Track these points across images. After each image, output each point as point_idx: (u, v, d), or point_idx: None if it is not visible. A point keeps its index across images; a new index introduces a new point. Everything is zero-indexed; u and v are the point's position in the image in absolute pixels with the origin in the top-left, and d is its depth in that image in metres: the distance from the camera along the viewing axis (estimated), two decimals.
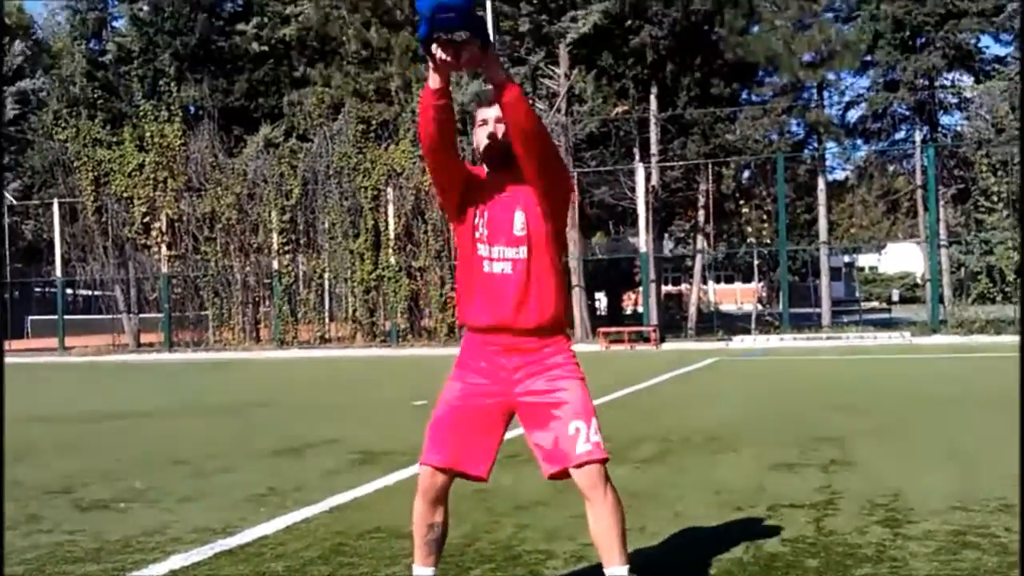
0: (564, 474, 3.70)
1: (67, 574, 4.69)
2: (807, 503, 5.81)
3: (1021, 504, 3.13)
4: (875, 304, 69.70)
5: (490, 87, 3.55)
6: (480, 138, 3.74)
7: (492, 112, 3.69)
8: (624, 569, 3.65)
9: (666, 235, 39.57)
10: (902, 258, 76.90)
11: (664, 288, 49.33)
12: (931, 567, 4.37)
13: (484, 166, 3.80)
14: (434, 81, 3.46)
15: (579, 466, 3.62)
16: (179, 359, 29.32)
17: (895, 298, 75.22)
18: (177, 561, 4.83)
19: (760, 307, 37.49)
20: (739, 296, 64.98)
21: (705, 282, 41.85)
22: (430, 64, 3.42)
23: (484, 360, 3.76)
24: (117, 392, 17.23)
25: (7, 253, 34.86)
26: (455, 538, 4.98)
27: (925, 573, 4.29)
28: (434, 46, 3.34)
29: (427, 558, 3.79)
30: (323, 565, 4.68)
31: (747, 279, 55.17)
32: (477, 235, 3.74)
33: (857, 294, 71.15)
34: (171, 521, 5.78)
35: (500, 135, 3.66)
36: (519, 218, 3.71)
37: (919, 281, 54.30)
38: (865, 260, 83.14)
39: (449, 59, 3.38)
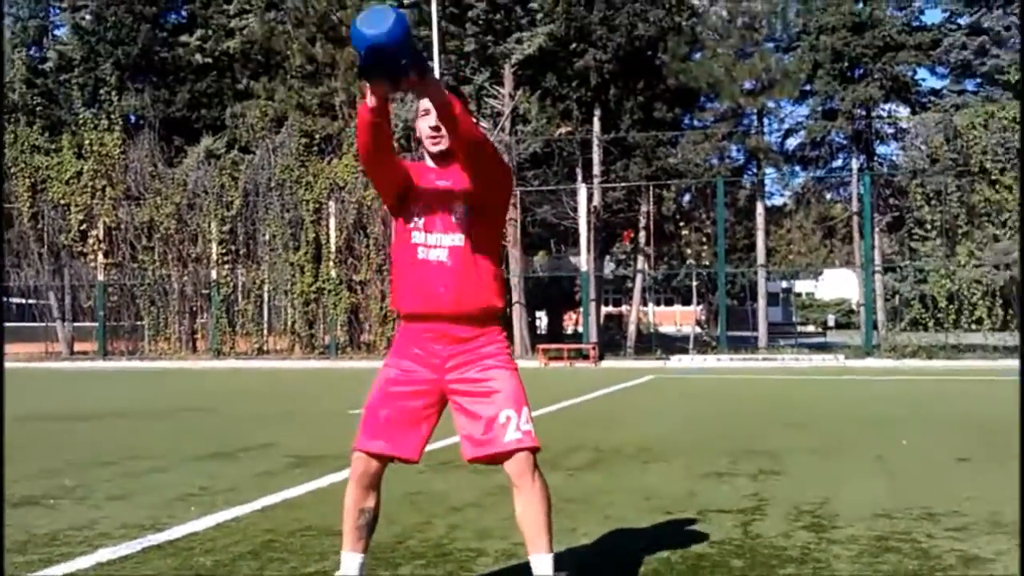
0: (486, 459, 3.73)
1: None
2: (735, 509, 5.90)
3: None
4: (811, 329, 70.59)
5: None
6: (423, 128, 3.78)
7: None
8: (549, 558, 3.70)
9: (607, 256, 39.83)
10: (838, 285, 78.12)
11: (604, 309, 49.53)
12: (853, 568, 4.47)
13: (426, 156, 3.84)
14: (371, 100, 3.48)
15: (509, 454, 3.66)
16: (113, 367, 28.93)
17: (831, 323, 76.19)
18: (105, 555, 4.80)
19: (699, 329, 37.84)
20: (678, 318, 65.42)
21: (645, 303, 42.11)
22: (368, 86, 3.45)
23: (417, 347, 3.79)
24: (48, 397, 16.96)
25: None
26: (386, 536, 5.01)
27: (847, 574, 4.39)
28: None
29: (357, 543, 3.81)
30: (252, 560, 4.68)
31: (687, 302, 55.63)
32: (413, 224, 3.77)
33: (794, 318, 72.02)
34: (100, 517, 5.74)
35: (443, 126, 3.69)
36: (457, 208, 3.75)
37: (854, 307, 55.12)
38: (802, 286, 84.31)
39: (387, 87, 3.42)
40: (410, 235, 3.77)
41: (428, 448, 3.88)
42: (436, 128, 3.73)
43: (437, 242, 3.74)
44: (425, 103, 3.74)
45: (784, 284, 71.19)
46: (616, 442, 9.34)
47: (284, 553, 4.82)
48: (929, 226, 28.14)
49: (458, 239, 3.73)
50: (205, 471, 7.69)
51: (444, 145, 3.74)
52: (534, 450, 3.69)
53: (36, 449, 9.29)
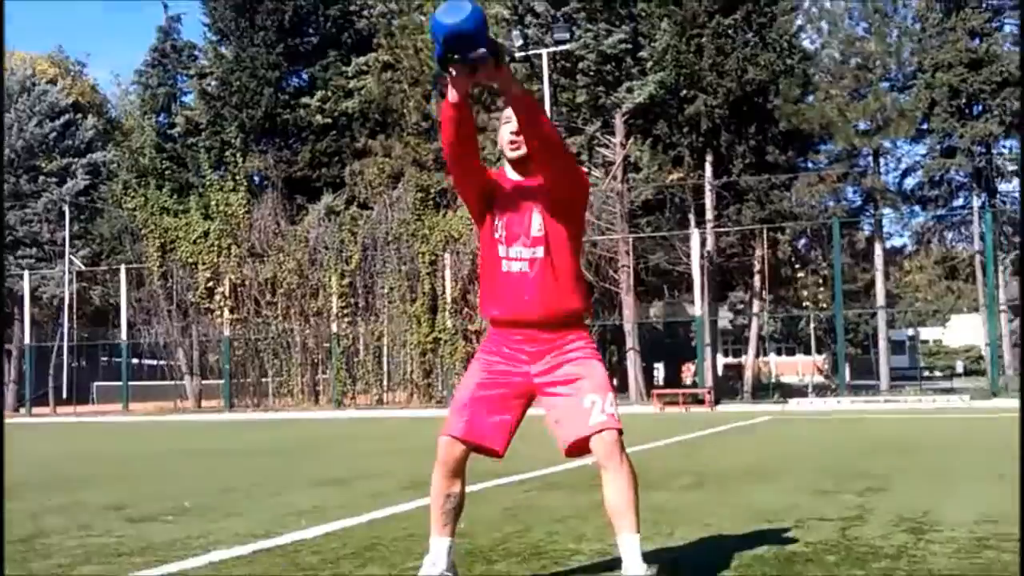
0: (581, 447, 3.86)
1: (111, 563, 4.91)
2: (836, 517, 5.89)
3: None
4: (939, 375, 68.63)
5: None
6: (504, 135, 3.95)
7: None
8: (636, 537, 3.79)
9: (724, 305, 39.53)
10: (966, 331, 75.84)
11: (723, 360, 49.05)
12: (948, 563, 4.45)
13: (507, 164, 4.02)
14: (452, 95, 3.68)
15: (595, 434, 3.79)
16: (239, 418, 29.72)
17: (959, 370, 73.99)
18: (217, 556, 5.04)
19: (821, 378, 37.15)
20: (800, 368, 64.33)
21: (765, 353, 41.63)
22: (448, 79, 3.64)
23: (505, 346, 3.97)
24: (174, 440, 17.56)
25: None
26: (484, 541, 5.16)
27: (942, 567, 4.38)
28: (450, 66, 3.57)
29: (444, 528, 3.96)
30: (355, 559, 4.86)
31: (808, 351, 54.76)
32: (496, 236, 3.95)
33: (920, 365, 70.19)
34: (215, 529, 6.00)
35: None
36: (536, 220, 3.92)
37: (983, 353, 53.66)
38: (929, 333, 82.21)
39: (465, 75, 3.61)
40: (495, 247, 3.95)
41: (533, 473, 4.03)
42: (517, 133, 3.89)
43: (518, 255, 3.92)
44: (508, 112, 3.93)
45: (910, 332, 69.53)
46: (723, 467, 9.33)
47: (386, 553, 5.00)
48: None
49: (539, 251, 3.90)
50: (320, 494, 7.95)
51: (524, 150, 3.90)
52: (619, 432, 3.81)
53: (158, 479, 9.68)
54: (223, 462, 12.19)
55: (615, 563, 3.86)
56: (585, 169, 31.98)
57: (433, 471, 3.98)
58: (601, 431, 3.78)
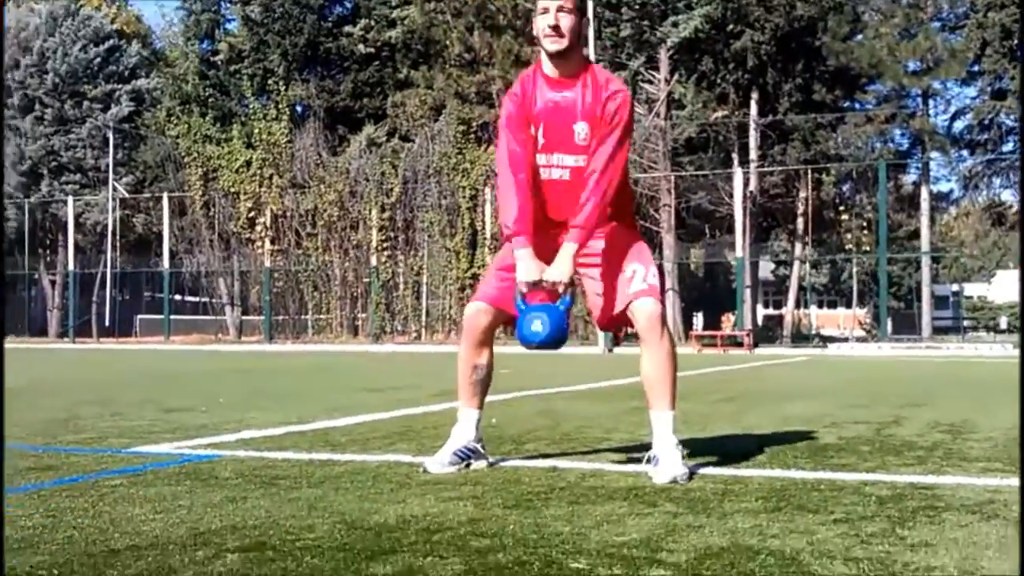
0: (620, 319, 3.79)
1: (142, 439, 4.93)
2: (872, 421, 5.82)
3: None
4: (983, 333, 67.78)
5: None
6: (540, 26, 3.76)
7: (553, 2, 3.72)
8: (670, 414, 3.74)
9: (766, 254, 39.15)
10: (1012, 287, 74.76)
11: (764, 311, 48.63)
12: (984, 453, 4.37)
13: (544, 56, 3.85)
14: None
15: (636, 300, 3.71)
16: (279, 349, 29.95)
17: (1003, 326, 73.06)
18: (247, 435, 5.05)
19: (862, 332, 36.72)
20: (842, 321, 63.85)
21: (806, 305, 41.22)
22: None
23: (540, 232, 3.82)
24: (215, 361, 17.72)
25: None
26: (514, 431, 5.13)
27: (978, 455, 4.30)
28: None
29: (472, 399, 3.93)
30: (384, 439, 4.86)
31: (850, 304, 54.26)
32: (536, 143, 3.83)
33: (964, 322, 69.40)
34: (248, 418, 6.02)
35: (562, 26, 3.70)
36: (581, 128, 3.79)
37: None
38: (973, 289, 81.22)
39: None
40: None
41: (566, 388, 4.00)
42: (555, 27, 3.71)
43: (559, 162, 3.80)
44: (544, 2, 3.74)
45: (954, 287, 68.76)
46: (759, 388, 9.28)
47: (413, 436, 5.00)
48: None
49: (581, 159, 3.78)
50: (354, 399, 7.99)
51: (562, 44, 3.73)
52: (662, 304, 3.74)
53: (195, 385, 9.76)
54: (261, 375, 12.28)
55: (647, 447, 3.80)
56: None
57: (460, 341, 3.94)
58: (641, 298, 3.71)
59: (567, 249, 3.67)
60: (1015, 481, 3.57)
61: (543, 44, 3.79)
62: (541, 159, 3.81)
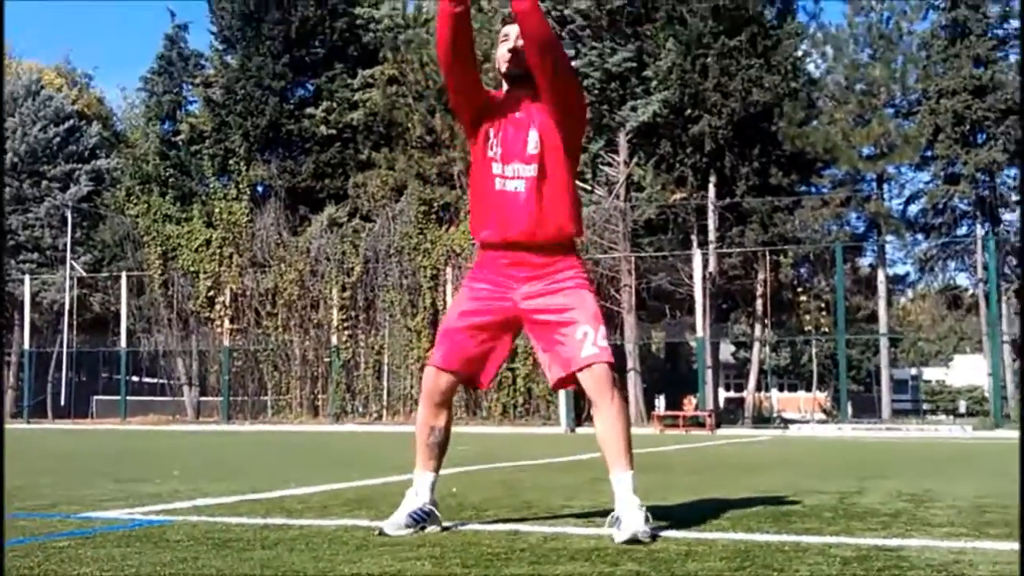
0: (570, 380, 3.78)
1: (95, 506, 4.81)
2: (835, 491, 5.78)
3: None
4: (942, 418, 68.23)
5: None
6: (502, 52, 3.90)
7: (513, 30, 3.85)
8: (629, 474, 3.70)
9: (726, 339, 39.28)
10: (970, 371, 75.44)
11: (726, 394, 48.70)
12: (948, 519, 4.34)
13: (504, 83, 3.96)
14: None
15: (586, 367, 3.70)
16: (237, 429, 29.55)
17: (962, 410, 73.58)
18: (202, 502, 4.94)
19: (823, 415, 36.80)
20: (802, 405, 64.10)
21: (767, 389, 41.32)
22: None
23: (493, 273, 3.87)
24: (172, 439, 17.46)
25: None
26: (474, 499, 5.04)
27: (942, 521, 4.27)
28: None
29: (428, 461, 3.88)
30: (343, 507, 4.76)
31: (810, 387, 54.57)
32: (491, 154, 3.87)
33: (923, 406, 69.89)
34: (203, 488, 5.90)
35: (520, 49, 3.82)
36: (533, 136, 3.84)
37: (987, 394, 53.47)
38: (932, 374, 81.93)
39: None
40: (489, 166, 3.87)
41: (527, 462, 3.97)
42: (513, 51, 3.84)
43: (514, 173, 3.83)
44: (505, 30, 3.88)
45: (913, 371, 69.40)
46: (722, 462, 9.23)
47: (372, 504, 4.90)
48: None
49: (533, 170, 3.81)
50: (312, 471, 7.86)
51: (521, 68, 3.83)
52: (611, 365, 3.72)
53: (150, 459, 9.58)
54: (217, 451, 12.08)
55: (609, 512, 3.74)
56: (588, 187, 32.05)
57: (419, 404, 3.90)
58: (591, 364, 3.69)
59: None
60: (980, 544, 3.55)
61: (502, 69, 3.91)
62: (497, 168, 3.84)
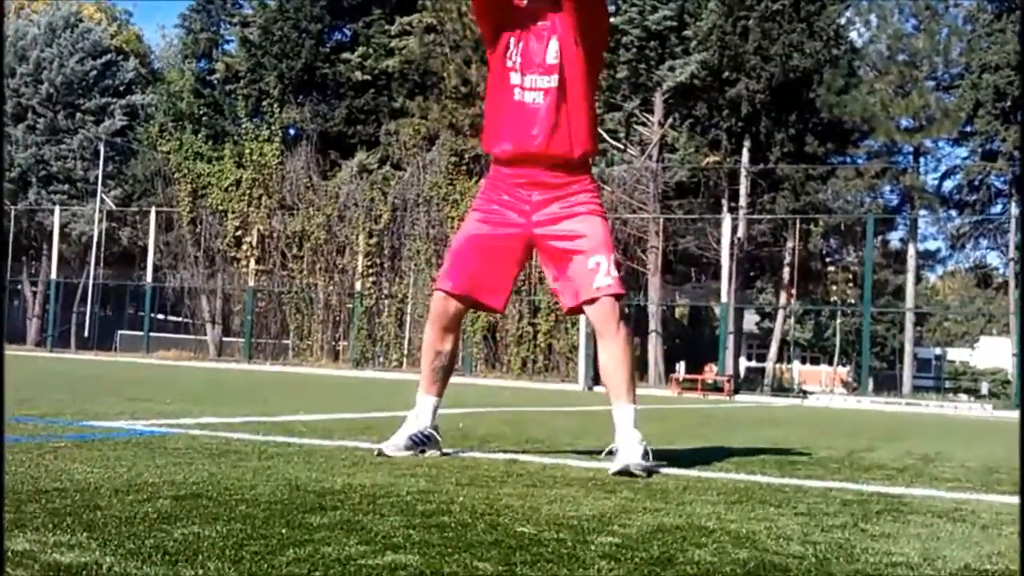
0: (580, 308, 3.73)
1: (97, 418, 4.82)
2: (845, 449, 5.73)
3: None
4: (964, 398, 67.90)
5: None
6: None
7: None
8: (631, 407, 3.65)
9: (750, 307, 39.02)
10: (995, 354, 75.00)
11: (747, 364, 48.46)
12: (954, 475, 4.28)
13: None
14: None
15: (594, 300, 3.64)
16: (258, 368, 29.71)
17: (984, 392, 73.17)
18: (206, 420, 4.95)
19: (844, 390, 36.62)
20: (823, 379, 63.86)
21: (789, 360, 41.12)
22: None
23: (507, 193, 3.80)
24: (192, 372, 17.58)
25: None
26: (480, 431, 5.01)
27: (949, 476, 4.21)
28: None
29: (432, 385, 3.85)
30: (346, 432, 4.75)
31: (832, 361, 54.25)
32: (510, 63, 3.77)
33: (945, 385, 69.55)
34: (212, 409, 5.92)
35: None
36: (553, 47, 3.73)
37: (1010, 378, 53.03)
38: (956, 354, 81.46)
39: None
40: (507, 75, 3.77)
41: (538, 408, 3.91)
42: None
43: (532, 84, 3.73)
44: None
45: (937, 351, 69.00)
46: (734, 418, 9.18)
47: (377, 431, 4.88)
48: None
49: (553, 80, 3.71)
50: (324, 403, 7.86)
51: None
52: (619, 297, 3.67)
53: (166, 387, 9.63)
54: (234, 384, 12.13)
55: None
56: (620, 146, 31.80)
57: (426, 326, 3.86)
58: (600, 296, 3.63)
59: None
60: (986, 496, 3.49)
61: None
62: (515, 79, 3.75)
